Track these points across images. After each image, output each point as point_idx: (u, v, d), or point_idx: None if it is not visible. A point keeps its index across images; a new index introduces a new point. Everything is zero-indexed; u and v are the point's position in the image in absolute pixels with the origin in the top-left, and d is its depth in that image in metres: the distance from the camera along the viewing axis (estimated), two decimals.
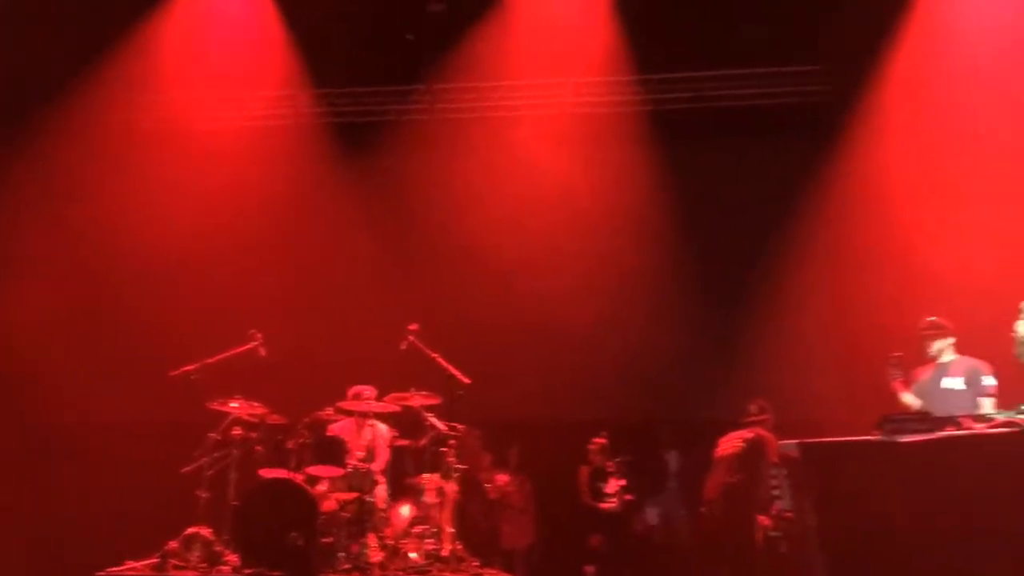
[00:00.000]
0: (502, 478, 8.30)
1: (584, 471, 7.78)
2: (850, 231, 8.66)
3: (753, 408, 6.56)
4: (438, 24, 8.89)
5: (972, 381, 5.69)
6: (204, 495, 6.37)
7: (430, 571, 6.15)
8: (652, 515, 8.40)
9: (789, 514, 6.73)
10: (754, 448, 6.26)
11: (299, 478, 6.37)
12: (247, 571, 5.93)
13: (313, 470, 6.50)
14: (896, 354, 5.96)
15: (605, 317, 8.74)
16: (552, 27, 8.70)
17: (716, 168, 9.21)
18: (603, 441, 7.78)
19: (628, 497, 7.60)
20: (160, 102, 9.02)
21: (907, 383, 5.94)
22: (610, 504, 7.58)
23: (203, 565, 6.12)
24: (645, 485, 8.51)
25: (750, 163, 9.27)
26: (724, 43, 8.99)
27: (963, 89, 7.60)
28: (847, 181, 8.59)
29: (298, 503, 6.13)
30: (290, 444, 6.55)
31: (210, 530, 6.28)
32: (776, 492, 6.83)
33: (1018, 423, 4.27)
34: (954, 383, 5.75)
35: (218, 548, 6.23)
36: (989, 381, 5.62)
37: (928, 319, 6.05)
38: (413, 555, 6.34)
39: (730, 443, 6.43)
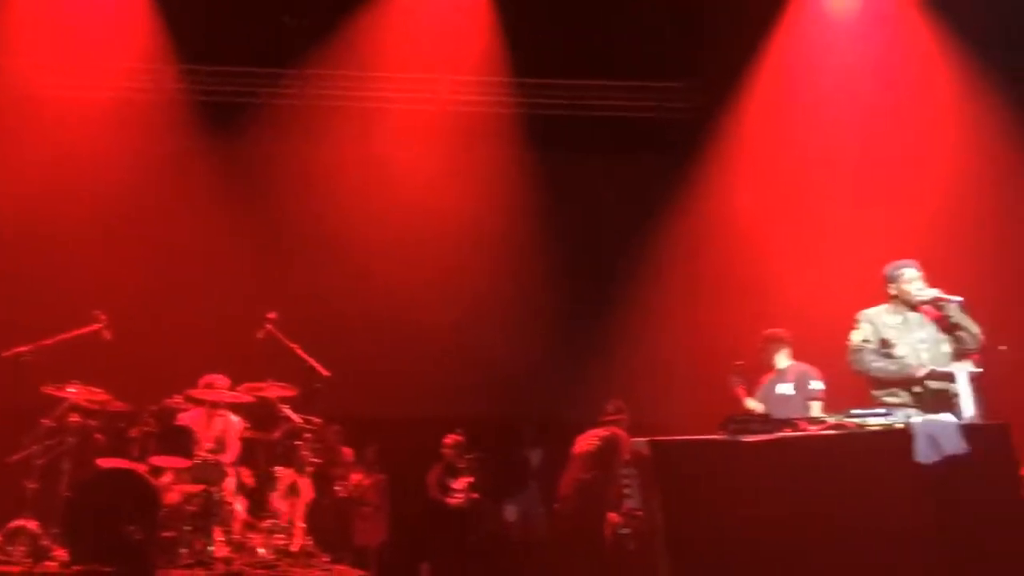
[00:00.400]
0: (358, 474, 8.20)
1: (436, 467, 7.73)
2: (706, 245, 9.04)
3: (610, 407, 6.71)
4: (315, 9, 8.69)
5: (801, 386, 6.08)
6: (32, 486, 5.97)
7: (278, 566, 5.97)
8: (511, 512, 8.45)
9: (639, 512, 6.92)
10: (608, 446, 6.41)
11: (141, 469, 6.05)
12: (76, 567, 5.56)
13: (158, 460, 6.20)
14: (737, 363, 6.29)
15: (470, 316, 8.78)
16: (430, 22, 8.65)
17: (585, 177, 9.41)
18: (457, 438, 7.75)
19: (474, 495, 7.58)
20: (9, 65, 8.39)
21: (748, 389, 6.28)
22: (456, 500, 7.54)
23: (27, 560, 5.71)
24: (505, 483, 8.60)
25: (618, 174, 9.52)
26: (599, 53, 9.20)
27: (819, 115, 8.04)
28: (706, 197, 8.97)
29: (137, 495, 5.81)
30: (133, 433, 6.23)
31: (37, 523, 5.88)
32: (627, 490, 7.00)
33: (846, 426, 4.56)
34: (786, 388, 6.13)
35: (45, 542, 5.83)
36: (816, 385, 6.01)
37: (768, 330, 6.42)
38: (261, 550, 6.15)
39: (586, 441, 6.56)
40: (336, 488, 7.79)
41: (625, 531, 6.98)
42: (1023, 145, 6.71)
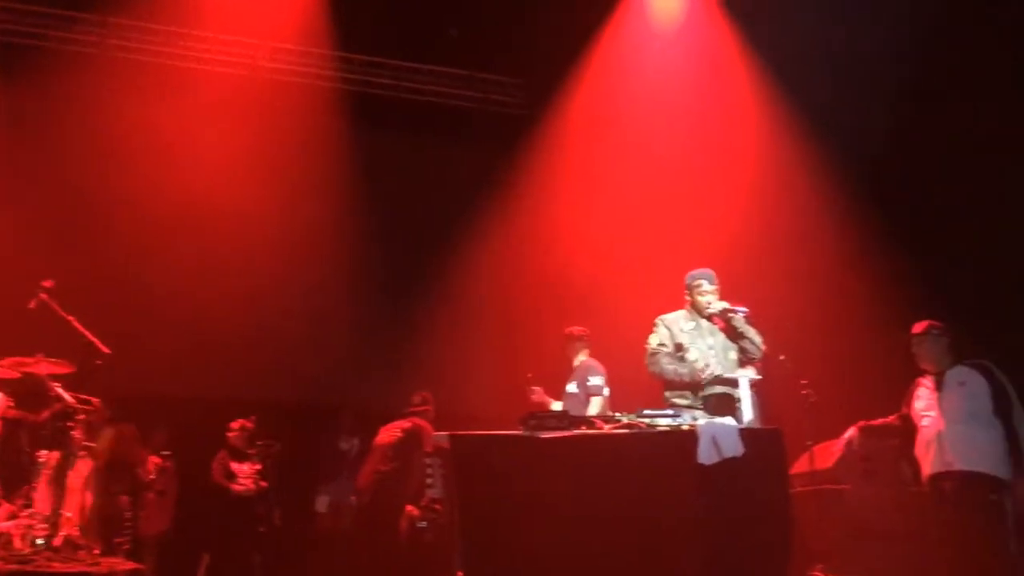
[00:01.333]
0: (154, 460, 7.66)
1: (220, 453, 7.32)
2: (523, 241, 9.16)
3: (416, 399, 6.62)
4: None
5: (582, 383, 6.27)
6: None
7: (34, 560, 5.40)
8: (322, 503, 8.18)
9: (438, 505, 6.88)
10: (410, 437, 6.31)
11: None
12: None
13: None
14: (528, 375, 6.54)
15: (282, 298, 8.42)
16: None
17: (406, 161, 9.26)
18: (243, 423, 7.36)
19: (263, 483, 7.25)
20: None
21: (545, 394, 6.42)
22: (242, 487, 7.18)
23: None
24: (319, 472, 8.30)
25: (440, 162, 9.44)
26: (429, 38, 9.08)
27: (637, 121, 8.31)
28: (526, 194, 9.08)
29: None
30: None
31: None
32: (430, 480, 6.94)
33: (638, 425, 4.72)
34: (571, 386, 6.29)
35: None
36: (595, 382, 6.24)
37: (567, 329, 6.58)
38: (19, 542, 5.56)
39: (388, 432, 6.42)
40: (116, 473, 7.22)
41: (422, 524, 6.95)
42: (817, 170, 7.23)
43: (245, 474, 7.28)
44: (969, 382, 4.73)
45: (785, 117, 7.46)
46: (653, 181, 8.03)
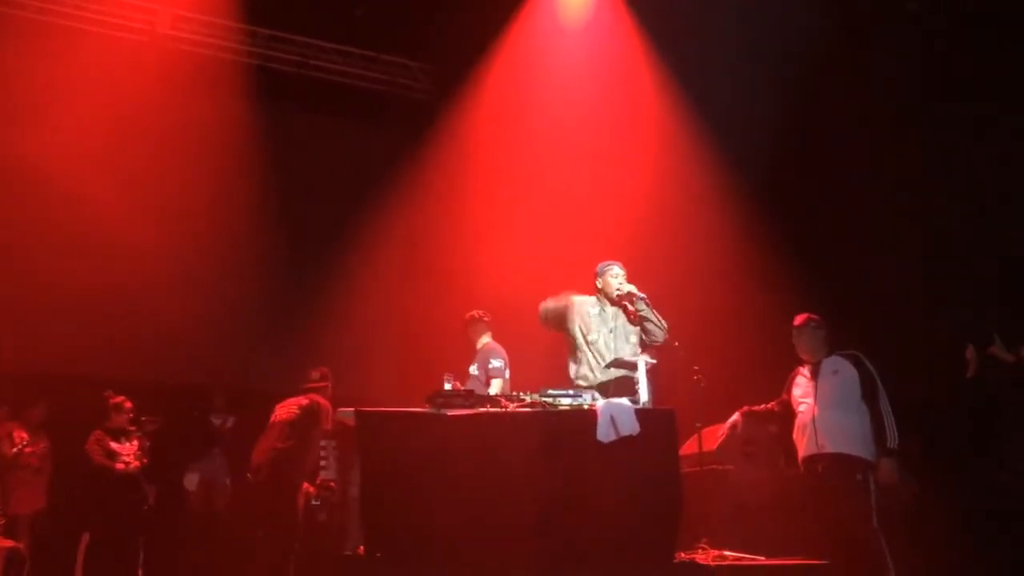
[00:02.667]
0: (20, 435, 7.31)
1: (97, 431, 7.05)
2: (424, 226, 9.21)
3: (314, 374, 6.53)
4: None
5: (482, 365, 6.42)
6: None
7: None
8: (191, 481, 7.99)
9: (332, 483, 6.89)
10: (308, 415, 6.26)
11: None
12: None
13: None
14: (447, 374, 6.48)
15: (169, 274, 8.18)
16: None
17: (311, 139, 9.16)
18: (119, 399, 7.12)
19: (145, 460, 7.05)
20: None
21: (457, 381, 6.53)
22: (123, 465, 6.96)
23: None
24: (187, 450, 8.11)
25: (344, 142, 9.37)
26: (336, 16, 8.99)
27: (543, 114, 8.47)
28: (430, 179, 9.12)
29: None
30: None
31: None
32: (323, 462, 6.94)
33: (540, 404, 4.88)
34: (473, 369, 6.44)
35: None
36: (494, 364, 6.39)
37: (469, 312, 6.70)
38: None
39: (285, 409, 6.34)
40: None
41: (316, 502, 6.93)
42: (712, 167, 7.59)
43: (126, 452, 7.03)
44: (841, 370, 5.08)
45: (684, 114, 7.79)
46: (557, 172, 8.22)
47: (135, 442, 7.12)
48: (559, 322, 5.48)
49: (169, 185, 8.18)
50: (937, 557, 5.49)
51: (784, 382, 5.36)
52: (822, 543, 5.02)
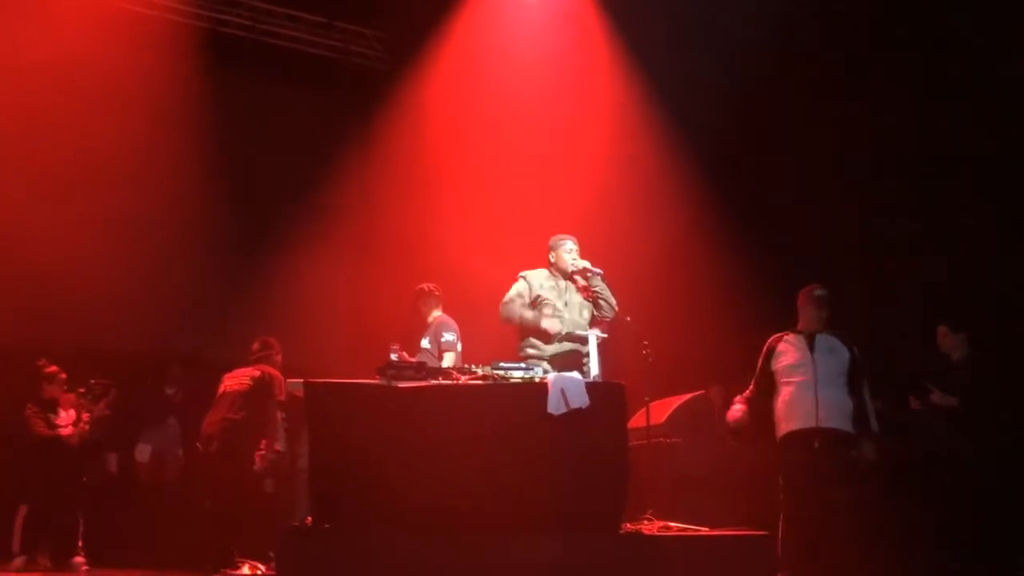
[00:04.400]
0: None
1: (32, 403, 6.88)
2: (376, 195, 9.13)
3: (255, 346, 6.46)
4: None
5: (435, 339, 6.40)
6: None
7: None
8: (143, 452, 7.89)
9: (280, 453, 6.87)
10: (261, 386, 6.21)
11: None
12: None
13: None
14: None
15: (115, 240, 7.99)
16: None
17: (262, 106, 9.00)
18: (55, 370, 6.95)
19: (84, 427, 6.91)
20: None
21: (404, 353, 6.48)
22: (64, 433, 6.82)
23: None
24: (141, 421, 7.99)
25: (297, 109, 9.23)
26: None
27: (500, 86, 8.42)
28: (383, 150, 9.03)
29: None
30: None
31: None
32: (273, 431, 6.90)
33: (492, 377, 4.91)
34: (424, 342, 6.42)
35: None
36: (447, 337, 6.36)
37: (419, 285, 6.66)
38: None
39: (236, 380, 6.27)
40: None
41: (264, 473, 6.89)
42: (666, 138, 7.65)
43: (62, 423, 6.88)
44: (837, 349, 5.12)
45: (638, 86, 7.83)
46: (512, 144, 8.21)
47: (71, 412, 6.95)
48: (505, 313, 5.46)
49: (118, 149, 7.97)
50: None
51: (751, 355, 5.30)
52: (795, 512, 5.04)
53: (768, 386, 5.23)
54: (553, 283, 5.51)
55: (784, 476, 5.10)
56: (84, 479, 6.99)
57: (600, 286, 5.45)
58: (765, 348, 5.29)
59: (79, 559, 6.58)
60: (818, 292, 5.25)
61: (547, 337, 5.36)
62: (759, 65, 7.17)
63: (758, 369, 5.30)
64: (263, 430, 6.27)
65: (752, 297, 6.84)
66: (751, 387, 5.36)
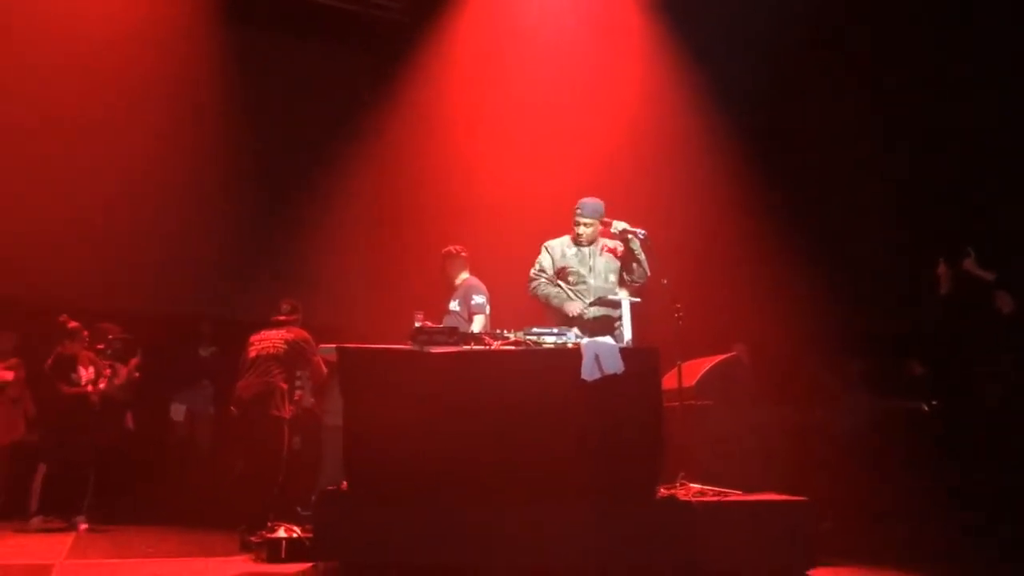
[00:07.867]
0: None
1: (55, 358, 6.91)
2: (401, 153, 9.01)
3: (285, 307, 6.42)
4: None
5: (465, 301, 6.31)
6: None
7: None
8: (178, 411, 7.97)
9: (311, 411, 6.88)
10: (296, 350, 6.21)
11: None
12: None
13: None
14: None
15: (145, 201, 7.99)
16: None
17: (286, 61, 8.87)
18: (77, 325, 6.95)
19: (103, 384, 6.94)
20: None
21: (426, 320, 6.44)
22: (84, 390, 6.85)
23: None
24: (176, 381, 8.06)
25: (320, 64, 9.09)
26: None
27: (524, 46, 8.23)
28: (407, 104, 8.88)
29: None
30: None
31: None
32: (300, 389, 6.92)
33: (525, 342, 4.87)
34: (453, 304, 6.34)
35: None
36: (477, 300, 6.25)
37: (445, 248, 6.55)
38: None
39: (270, 342, 6.24)
40: None
41: (295, 432, 6.92)
42: (697, 102, 7.47)
43: (84, 378, 6.91)
44: None
45: (668, 47, 7.63)
46: (538, 101, 8.05)
47: (91, 369, 6.97)
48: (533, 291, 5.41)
49: (142, 110, 7.91)
50: None
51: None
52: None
53: None
54: (576, 250, 5.44)
55: None
56: (100, 435, 6.97)
57: (639, 250, 5.37)
58: None
59: (81, 519, 6.61)
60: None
61: (570, 322, 5.28)
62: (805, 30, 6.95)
63: None
64: (313, 389, 6.27)
65: (779, 259, 6.74)
66: None
